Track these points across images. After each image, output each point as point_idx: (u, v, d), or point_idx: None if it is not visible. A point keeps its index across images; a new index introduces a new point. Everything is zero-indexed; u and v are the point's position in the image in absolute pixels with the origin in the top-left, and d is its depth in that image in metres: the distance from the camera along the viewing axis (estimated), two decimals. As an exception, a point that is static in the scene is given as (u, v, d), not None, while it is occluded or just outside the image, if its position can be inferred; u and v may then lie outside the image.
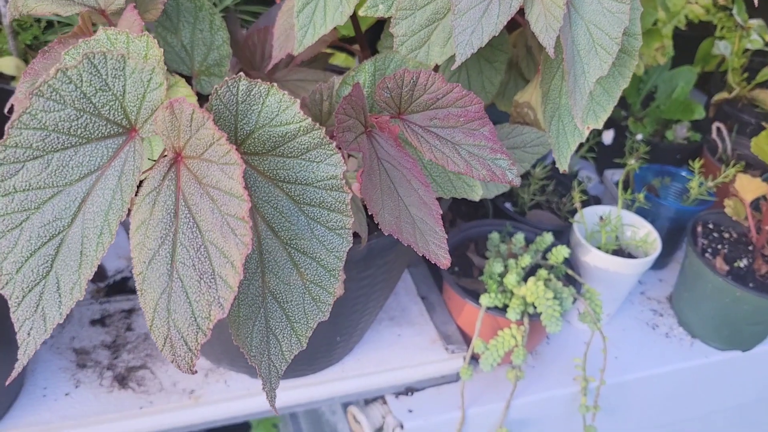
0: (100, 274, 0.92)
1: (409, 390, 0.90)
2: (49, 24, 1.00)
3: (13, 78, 0.93)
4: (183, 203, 0.32)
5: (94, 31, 0.59)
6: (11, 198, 0.32)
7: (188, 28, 0.61)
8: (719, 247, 1.02)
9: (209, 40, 0.62)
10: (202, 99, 0.51)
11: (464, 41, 0.52)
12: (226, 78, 0.34)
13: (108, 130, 0.33)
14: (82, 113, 0.32)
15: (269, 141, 0.34)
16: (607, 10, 0.54)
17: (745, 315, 0.97)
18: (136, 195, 0.32)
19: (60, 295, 0.33)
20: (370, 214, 0.44)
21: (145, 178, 0.32)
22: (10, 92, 0.78)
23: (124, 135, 0.34)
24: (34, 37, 0.96)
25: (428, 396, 0.90)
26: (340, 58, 1.07)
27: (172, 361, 0.34)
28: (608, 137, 1.24)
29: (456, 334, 0.92)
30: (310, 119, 0.33)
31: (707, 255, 1.00)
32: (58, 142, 0.32)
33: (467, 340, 0.92)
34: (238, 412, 0.81)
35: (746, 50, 1.29)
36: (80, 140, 0.33)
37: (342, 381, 0.86)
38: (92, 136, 0.33)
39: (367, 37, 0.77)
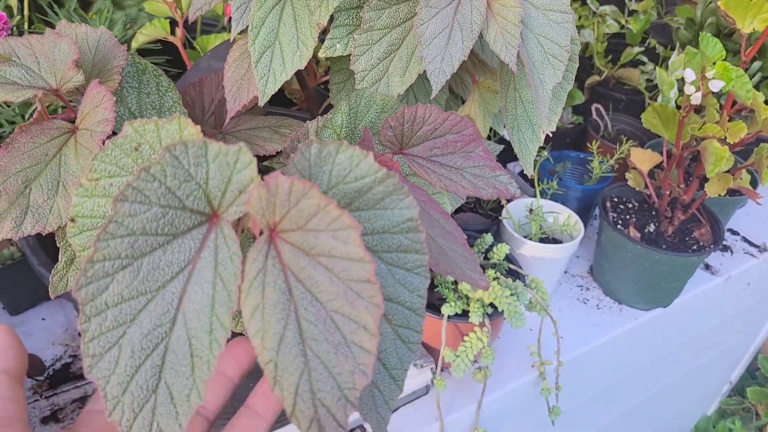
0: (37, 367, 0.84)
1: (385, 413, 0.90)
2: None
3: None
4: (294, 278, 0.30)
5: (50, 113, 0.55)
6: (104, 316, 0.29)
7: (133, 94, 0.58)
8: (627, 217, 1.11)
9: (158, 103, 0.59)
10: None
11: (436, 69, 0.53)
12: (300, 145, 0.33)
13: (192, 221, 0.31)
14: (168, 209, 0.30)
15: (344, 198, 0.33)
16: (553, 22, 0.58)
17: (664, 274, 1.06)
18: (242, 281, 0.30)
19: (175, 406, 0.30)
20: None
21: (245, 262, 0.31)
22: None
23: (206, 223, 0.31)
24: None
25: (404, 414, 0.91)
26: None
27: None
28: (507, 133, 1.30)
29: (420, 348, 0.94)
30: (384, 169, 0.33)
31: (619, 226, 1.08)
32: (147, 245, 0.30)
33: (431, 352, 0.94)
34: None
35: (605, 34, 1.41)
36: (168, 238, 0.30)
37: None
38: (178, 231, 0.31)
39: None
